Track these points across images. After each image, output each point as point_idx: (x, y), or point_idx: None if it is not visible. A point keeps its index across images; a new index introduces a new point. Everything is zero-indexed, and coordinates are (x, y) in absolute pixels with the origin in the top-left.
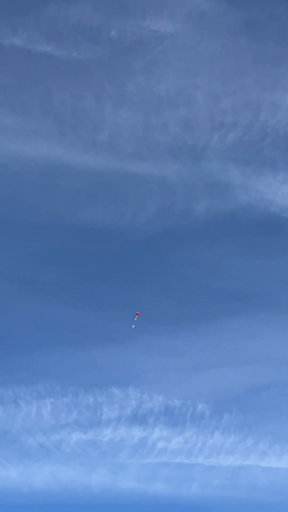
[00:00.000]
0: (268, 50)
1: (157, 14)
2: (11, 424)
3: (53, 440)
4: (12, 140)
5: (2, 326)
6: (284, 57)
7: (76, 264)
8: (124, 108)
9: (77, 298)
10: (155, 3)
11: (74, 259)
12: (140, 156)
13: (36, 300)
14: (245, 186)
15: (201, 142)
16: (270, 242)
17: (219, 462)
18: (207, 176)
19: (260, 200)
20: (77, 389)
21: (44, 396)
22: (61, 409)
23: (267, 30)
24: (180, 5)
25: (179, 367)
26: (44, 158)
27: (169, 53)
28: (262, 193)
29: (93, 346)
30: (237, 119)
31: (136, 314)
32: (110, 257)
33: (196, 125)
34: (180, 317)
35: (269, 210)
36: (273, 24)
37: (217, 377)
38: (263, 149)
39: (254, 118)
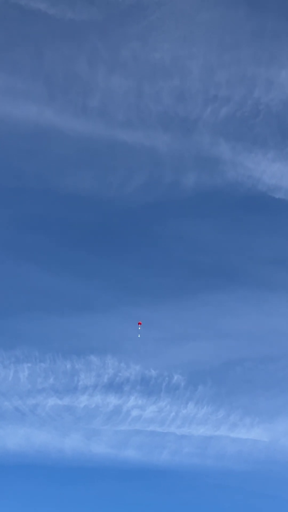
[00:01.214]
0: (267, 24)
1: None
2: None
3: (29, 404)
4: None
5: None
6: (282, 32)
7: (60, 231)
8: (117, 74)
9: (60, 265)
10: None
11: (57, 226)
12: (130, 125)
13: (18, 265)
14: (234, 162)
15: (193, 114)
16: (255, 220)
17: (190, 432)
18: (197, 150)
19: (248, 177)
20: (55, 355)
21: (22, 361)
22: (38, 374)
23: (267, 4)
24: None
25: (157, 338)
26: (32, 121)
27: (167, 20)
28: (251, 170)
29: (73, 313)
30: (231, 93)
31: (139, 323)
32: (94, 225)
33: (189, 96)
34: (161, 290)
35: (256, 188)
36: None
37: (193, 350)
38: (255, 126)
39: (248, 94)
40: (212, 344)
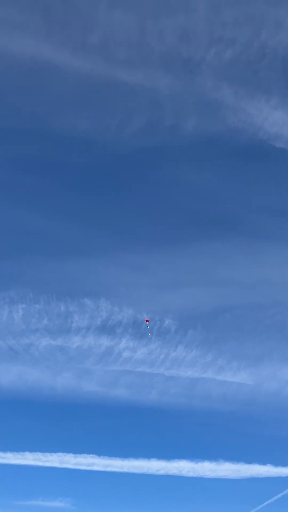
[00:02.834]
0: None
1: None
2: None
3: (23, 344)
4: None
5: None
6: None
7: (56, 173)
8: (119, 9)
9: (55, 208)
10: None
11: (53, 168)
12: (131, 64)
13: (13, 207)
14: (236, 108)
15: (197, 55)
16: (254, 169)
17: (178, 373)
18: (199, 93)
19: (250, 124)
20: (49, 297)
21: (16, 302)
22: (32, 315)
23: None
24: None
25: (150, 284)
26: (29, 56)
27: None
28: (252, 117)
29: (68, 257)
30: (237, 34)
31: (146, 320)
32: (90, 169)
33: (194, 36)
34: (157, 236)
35: (257, 136)
36: None
37: (185, 296)
38: (259, 70)
39: (255, 35)
40: (204, 291)
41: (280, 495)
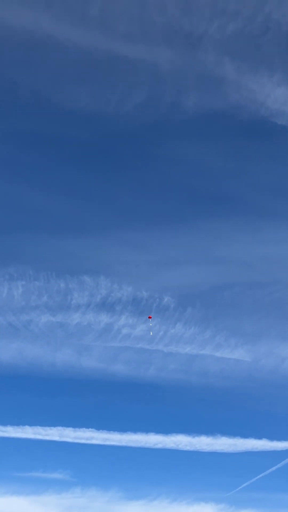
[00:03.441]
0: None
1: None
2: None
3: (22, 320)
4: None
5: None
6: None
7: (55, 148)
8: None
9: (55, 184)
10: None
11: (52, 143)
12: (132, 37)
13: (12, 183)
14: (238, 84)
15: (199, 29)
16: (255, 146)
17: (177, 350)
18: (201, 68)
19: (251, 101)
20: (49, 274)
21: (16, 279)
22: (32, 292)
23: None
24: None
25: (150, 262)
26: (27, 29)
27: None
28: (255, 93)
29: (68, 234)
30: (241, 7)
31: (149, 317)
32: (90, 145)
33: (196, 9)
34: (156, 214)
35: (258, 113)
36: None
37: (185, 274)
38: (262, 45)
39: (259, 8)
40: (203, 269)
41: (274, 468)
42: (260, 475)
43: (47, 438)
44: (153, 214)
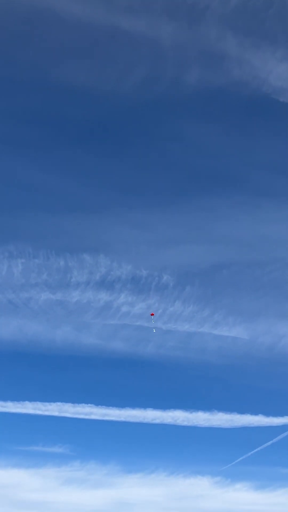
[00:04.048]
0: None
1: None
2: None
3: (22, 298)
4: None
5: None
6: None
7: (54, 125)
8: None
9: (54, 162)
10: None
11: (51, 120)
12: (133, 12)
13: (11, 161)
14: (240, 60)
15: (201, 3)
16: (257, 123)
17: (176, 328)
18: (203, 44)
19: (254, 77)
20: (48, 252)
21: (16, 256)
22: (32, 270)
23: None
24: None
25: (149, 240)
26: (27, 2)
27: None
28: (257, 69)
29: (67, 212)
30: None
31: (151, 314)
32: (90, 122)
33: None
34: (157, 192)
35: (261, 90)
36: None
37: (184, 253)
38: (266, 20)
39: None
40: (202, 247)
41: (270, 442)
42: (256, 450)
43: (47, 413)
44: (153, 192)
